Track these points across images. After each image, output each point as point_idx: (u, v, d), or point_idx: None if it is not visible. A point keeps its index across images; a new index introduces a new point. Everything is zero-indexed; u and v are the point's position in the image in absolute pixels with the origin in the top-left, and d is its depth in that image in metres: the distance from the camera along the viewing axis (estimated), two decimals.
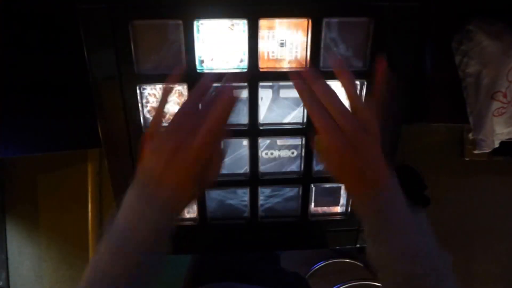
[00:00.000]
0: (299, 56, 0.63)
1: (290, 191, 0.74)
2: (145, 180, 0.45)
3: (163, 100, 0.51)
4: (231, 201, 0.74)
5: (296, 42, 0.62)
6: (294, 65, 0.64)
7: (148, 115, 0.66)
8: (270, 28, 0.61)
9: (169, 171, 0.44)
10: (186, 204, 0.49)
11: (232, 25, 0.60)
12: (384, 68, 0.50)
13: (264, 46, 0.62)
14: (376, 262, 0.47)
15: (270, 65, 0.64)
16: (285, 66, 0.64)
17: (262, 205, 0.74)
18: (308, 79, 0.47)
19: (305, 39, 0.62)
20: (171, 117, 0.47)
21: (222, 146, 0.49)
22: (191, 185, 0.46)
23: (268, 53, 0.63)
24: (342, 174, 0.48)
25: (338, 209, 0.77)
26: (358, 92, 0.50)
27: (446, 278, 0.45)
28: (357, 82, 0.65)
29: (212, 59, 0.63)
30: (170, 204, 0.45)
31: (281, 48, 0.63)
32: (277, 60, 0.64)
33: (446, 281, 0.44)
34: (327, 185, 0.74)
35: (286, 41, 0.62)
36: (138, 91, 0.63)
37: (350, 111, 0.46)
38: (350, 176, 0.47)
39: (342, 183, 0.50)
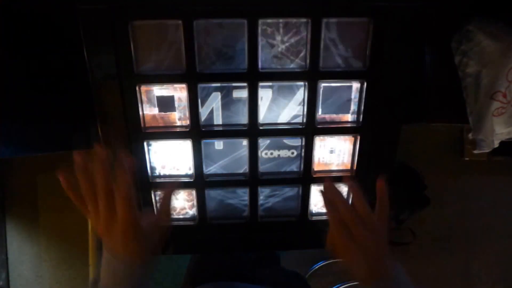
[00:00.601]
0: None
1: (290, 191, 0.74)
2: (112, 261, 0.51)
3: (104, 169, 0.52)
4: (230, 201, 0.74)
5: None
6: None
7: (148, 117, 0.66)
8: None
9: (118, 247, 0.50)
10: (152, 255, 0.54)
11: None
12: (384, 188, 0.56)
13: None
14: None
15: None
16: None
17: (261, 204, 0.74)
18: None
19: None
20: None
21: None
22: (152, 246, 0.53)
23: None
24: (351, 267, 0.54)
25: None
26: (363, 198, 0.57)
27: None
28: (357, 83, 0.65)
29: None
30: (135, 265, 0.51)
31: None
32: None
33: None
34: None
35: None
36: (137, 91, 0.63)
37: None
38: (359, 270, 0.53)
39: (351, 273, 0.56)
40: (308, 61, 0.63)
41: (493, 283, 1.69)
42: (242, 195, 0.73)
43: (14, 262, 1.48)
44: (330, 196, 0.57)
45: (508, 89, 0.76)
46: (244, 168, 0.71)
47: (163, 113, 0.66)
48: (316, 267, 1.57)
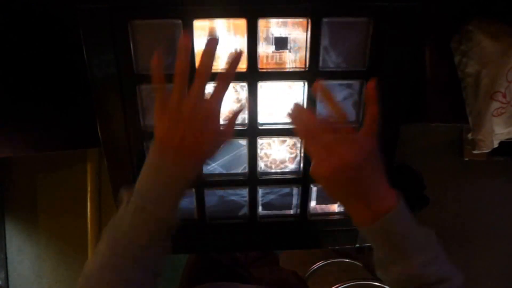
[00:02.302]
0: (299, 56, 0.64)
1: (286, 188, 0.74)
2: (163, 149, 0.47)
3: (187, 48, 0.48)
4: (232, 197, 0.74)
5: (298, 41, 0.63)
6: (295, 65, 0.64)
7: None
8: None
9: (189, 137, 0.46)
10: (202, 162, 0.52)
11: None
12: (374, 91, 0.50)
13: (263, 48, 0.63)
14: (384, 275, 0.48)
15: (269, 66, 0.64)
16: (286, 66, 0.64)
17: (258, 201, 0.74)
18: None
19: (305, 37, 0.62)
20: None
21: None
22: (208, 147, 0.48)
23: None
24: (347, 200, 0.49)
25: (337, 208, 0.77)
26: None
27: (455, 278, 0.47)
28: (357, 82, 0.65)
29: None
30: (189, 166, 0.48)
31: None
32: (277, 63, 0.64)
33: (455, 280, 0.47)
34: None
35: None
36: (137, 91, 0.63)
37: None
38: (355, 202, 0.48)
39: (347, 209, 0.50)
40: (307, 61, 0.63)
41: (493, 283, 1.69)
42: (243, 192, 0.73)
43: (14, 261, 1.48)
44: (296, 113, 0.51)
45: (508, 89, 0.76)
46: (243, 166, 0.71)
47: None
48: (316, 267, 1.57)
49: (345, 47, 0.63)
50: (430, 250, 0.47)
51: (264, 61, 0.63)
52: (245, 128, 0.66)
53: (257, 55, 0.62)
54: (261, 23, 0.60)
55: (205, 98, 0.47)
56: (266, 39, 0.62)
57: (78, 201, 1.39)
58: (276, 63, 0.64)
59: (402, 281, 0.46)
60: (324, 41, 0.62)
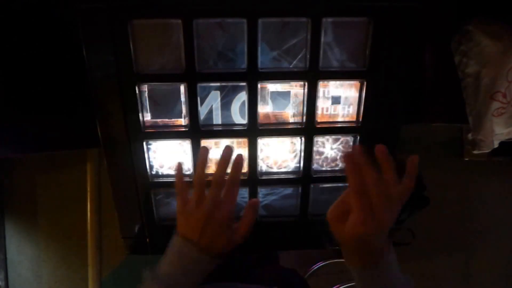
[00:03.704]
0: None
1: (288, 189, 0.74)
2: (184, 244, 0.52)
3: (203, 162, 0.54)
4: None
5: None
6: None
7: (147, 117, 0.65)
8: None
9: (207, 236, 0.52)
10: (218, 258, 0.55)
11: None
12: (416, 163, 0.51)
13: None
14: None
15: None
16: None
17: (260, 202, 0.74)
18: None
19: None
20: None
21: (252, 210, 0.56)
22: (224, 242, 0.53)
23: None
24: (352, 251, 0.50)
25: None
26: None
27: None
28: (357, 82, 0.65)
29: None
30: (206, 259, 0.53)
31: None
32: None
33: None
34: (326, 185, 0.74)
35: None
36: (137, 91, 0.63)
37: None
38: (356, 254, 0.50)
39: (343, 251, 0.52)
40: (308, 61, 0.62)
41: (493, 283, 1.69)
42: (242, 193, 0.73)
43: (13, 262, 1.48)
44: (355, 159, 0.49)
45: (508, 89, 0.76)
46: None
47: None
48: (316, 267, 1.57)
49: (345, 47, 0.63)
50: None
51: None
52: (245, 128, 0.66)
53: (257, 55, 0.61)
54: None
55: (220, 201, 0.53)
56: None
57: (78, 201, 1.39)
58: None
59: None
60: (324, 41, 0.62)
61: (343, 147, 0.71)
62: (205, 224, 0.51)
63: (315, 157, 0.71)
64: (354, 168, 0.48)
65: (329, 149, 0.71)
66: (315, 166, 0.72)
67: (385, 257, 0.49)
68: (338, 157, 0.72)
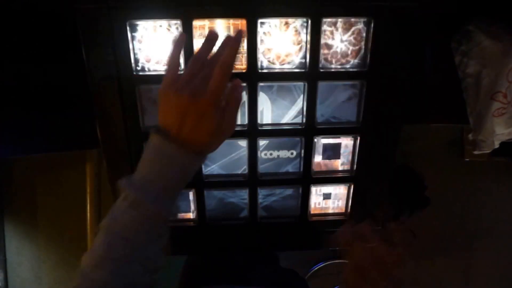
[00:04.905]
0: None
1: (288, 190, 0.74)
2: (165, 136, 0.46)
3: (177, 50, 0.49)
4: (231, 199, 0.74)
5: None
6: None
7: (146, 118, 0.65)
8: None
9: (187, 125, 0.46)
10: (207, 152, 0.50)
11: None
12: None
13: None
14: None
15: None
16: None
17: (260, 203, 0.74)
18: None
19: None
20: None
21: (236, 93, 0.50)
22: (210, 135, 0.47)
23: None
24: None
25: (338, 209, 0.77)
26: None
27: None
28: (357, 83, 0.65)
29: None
30: (190, 156, 0.47)
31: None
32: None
33: None
34: (327, 186, 0.74)
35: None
36: (136, 92, 0.63)
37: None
38: None
39: None
40: (307, 61, 0.62)
41: (493, 283, 1.69)
42: (242, 194, 0.73)
43: (13, 263, 1.48)
44: (348, 238, 0.51)
45: (509, 90, 0.75)
46: (243, 168, 0.70)
47: None
48: (316, 268, 1.57)
49: (345, 47, 0.62)
50: None
51: None
52: (245, 128, 0.66)
53: (257, 55, 0.61)
54: None
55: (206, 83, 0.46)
56: None
57: (77, 202, 1.39)
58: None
59: None
60: (324, 41, 0.62)
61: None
62: (186, 109, 0.45)
63: (314, 159, 0.71)
64: (352, 252, 0.50)
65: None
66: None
67: None
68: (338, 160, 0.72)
